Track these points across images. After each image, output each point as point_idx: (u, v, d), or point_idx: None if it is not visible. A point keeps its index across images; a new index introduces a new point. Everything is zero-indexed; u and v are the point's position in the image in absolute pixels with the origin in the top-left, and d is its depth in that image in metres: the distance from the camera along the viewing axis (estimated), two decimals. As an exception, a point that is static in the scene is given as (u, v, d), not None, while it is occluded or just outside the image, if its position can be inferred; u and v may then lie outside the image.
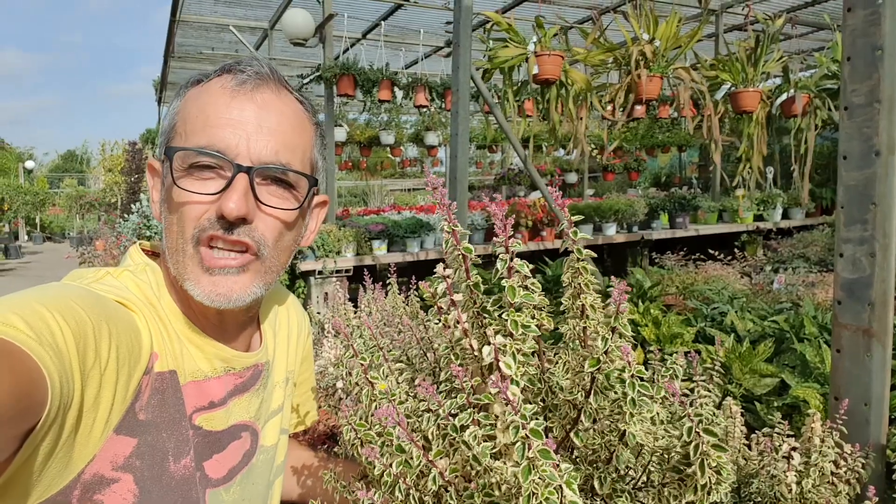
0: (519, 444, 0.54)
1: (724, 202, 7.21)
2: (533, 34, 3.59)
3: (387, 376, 0.82)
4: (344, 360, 0.81)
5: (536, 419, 0.55)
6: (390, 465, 0.66)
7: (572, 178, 11.28)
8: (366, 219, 6.16)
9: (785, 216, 7.31)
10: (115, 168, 17.56)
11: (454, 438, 0.64)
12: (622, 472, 0.76)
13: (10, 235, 17.25)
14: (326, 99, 6.14)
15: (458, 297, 0.68)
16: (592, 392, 0.69)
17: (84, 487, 0.68)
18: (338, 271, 5.11)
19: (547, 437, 0.55)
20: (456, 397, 0.67)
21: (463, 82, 3.14)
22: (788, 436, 0.98)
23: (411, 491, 0.67)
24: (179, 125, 0.79)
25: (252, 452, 0.90)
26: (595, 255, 0.72)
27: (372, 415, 0.77)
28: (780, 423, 1.03)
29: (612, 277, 0.83)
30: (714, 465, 0.62)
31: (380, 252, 5.60)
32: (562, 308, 0.76)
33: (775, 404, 1.72)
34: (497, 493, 0.62)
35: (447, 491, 0.65)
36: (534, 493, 0.53)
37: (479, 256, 0.69)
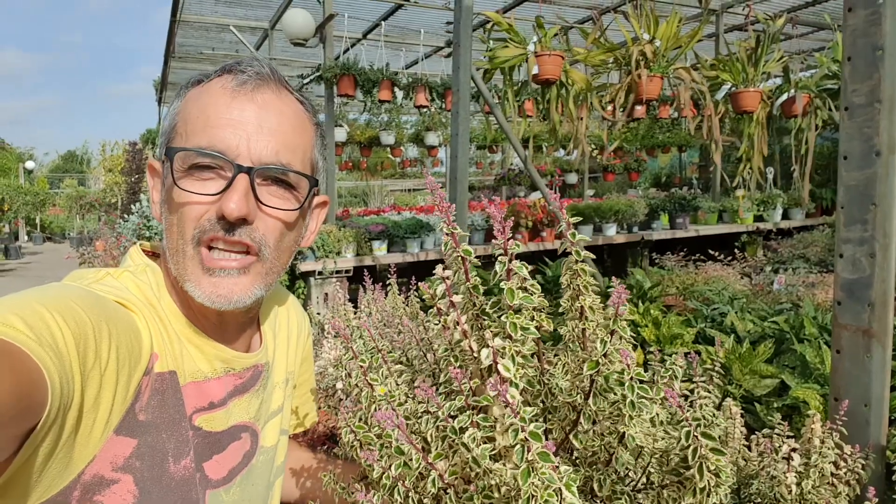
0: (518, 446, 0.54)
1: (725, 203, 7.20)
2: (533, 34, 3.58)
3: (386, 378, 0.82)
4: (343, 361, 0.81)
5: (536, 421, 0.55)
6: (389, 468, 0.66)
7: (572, 178, 11.29)
8: (366, 219, 6.16)
9: (785, 217, 7.30)
10: (115, 168, 17.58)
11: (453, 440, 0.64)
12: (622, 474, 0.75)
13: (10, 236, 17.24)
14: (327, 99, 6.14)
15: (457, 298, 0.67)
16: (592, 394, 0.69)
17: (84, 488, 0.68)
18: (338, 272, 5.11)
19: (546, 439, 0.55)
20: (455, 399, 0.67)
21: (463, 82, 3.14)
22: (788, 437, 0.98)
23: (410, 493, 0.67)
24: (180, 125, 0.79)
25: (252, 453, 0.90)
26: (595, 256, 0.72)
27: (371, 416, 0.77)
28: (779, 423, 1.03)
29: (613, 278, 0.83)
30: (713, 468, 0.62)
31: (380, 252, 5.60)
32: (561, 309, 0.76)
33: (775, 405, 1.72)
34: (496, 495, 0.62)
35: (446, 493, 0.65)
36: (533, 496, 0.53)
37: (479, 257, 0.69)
